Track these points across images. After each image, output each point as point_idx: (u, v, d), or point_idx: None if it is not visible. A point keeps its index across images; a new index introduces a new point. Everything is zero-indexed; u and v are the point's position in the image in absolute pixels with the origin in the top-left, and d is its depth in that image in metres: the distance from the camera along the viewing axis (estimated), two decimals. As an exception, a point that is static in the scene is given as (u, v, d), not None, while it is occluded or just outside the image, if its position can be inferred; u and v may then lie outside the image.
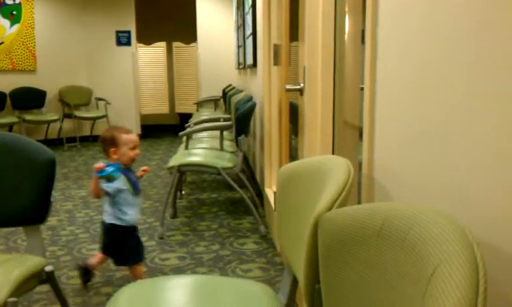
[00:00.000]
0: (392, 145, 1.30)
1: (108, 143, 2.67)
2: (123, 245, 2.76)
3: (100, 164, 2.53)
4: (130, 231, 2.76)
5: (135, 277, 2.76)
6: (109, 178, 2.54)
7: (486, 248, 0.83)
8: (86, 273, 2.88)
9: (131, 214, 2.70)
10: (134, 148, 2.70)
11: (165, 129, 10.70)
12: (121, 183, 2.61)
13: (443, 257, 0.75)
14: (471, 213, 0.91)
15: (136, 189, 2.71)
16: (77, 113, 8.57)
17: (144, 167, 2.95)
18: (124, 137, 2.67)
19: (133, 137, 2.73)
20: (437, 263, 0.75)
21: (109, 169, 2.52)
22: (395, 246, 0.90)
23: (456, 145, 0.96)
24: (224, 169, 3.89)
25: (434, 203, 1.06)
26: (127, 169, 2.69)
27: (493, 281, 0.83)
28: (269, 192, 3.99)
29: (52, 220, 4.26)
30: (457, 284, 0.70)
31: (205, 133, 5.37)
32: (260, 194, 4.50)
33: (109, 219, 2.69)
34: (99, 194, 2.64)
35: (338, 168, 1.32)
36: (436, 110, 1.04)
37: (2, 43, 7.99)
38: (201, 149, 4.61)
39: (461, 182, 0.95)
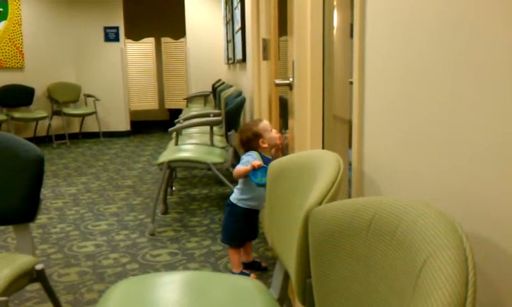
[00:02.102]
0: (382, 139, 1.31)
1: (254, 139, 2.88)
2: (226, 221, 3.03)
3: (258, 162, 2.74)
4: (238, 214, 2.94)
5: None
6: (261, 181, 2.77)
7: (475, 241, 0.84)
8: None
9: (249, 200, 2.91)
10: (272, 130, 2.90)
11: (155, 125, 10.67)
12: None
13: (432, 250, 0.76)
14: (460, 206, 0.92)
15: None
16: (66, 110, 8.52)
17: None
18: (261, 125, 2.89)
19: (266, 122, 2.93)
20: (427, 256, 0.76)
21: (260, 177, 2.72)
22: (385, 240, 0.90)
23: (444, 139, 0.97)
24: (214, 164, 3.89)
25: (424, 196, 1.06)
26: (271, 159, 2.85)
27: (482, 273, 0.84)
28: (260, 187, 3.99)
29: (42, 218, 4.24)
30: (447, 277, 0.70)
31: (195, 129, 5.36)
32: (250, 189, 4.49)
33: (233, 195, 2.98)
34: (241, 177, 2.88)
35: (328, 163, 1.32)
36: (425, 104, 1.05)
37: (-11, 40, 7.92)
38: (192, 145, 4.60)
39: (450, 176, 0.96)
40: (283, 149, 2.97)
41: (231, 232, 3.00)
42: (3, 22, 7.98)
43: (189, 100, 9.15)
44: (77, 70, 9.02)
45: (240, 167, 2.80)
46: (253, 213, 2.98)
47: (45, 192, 5.14)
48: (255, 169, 2.72)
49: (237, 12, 5.52)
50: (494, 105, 0.81)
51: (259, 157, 2.84)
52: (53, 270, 3.17)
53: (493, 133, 0.81)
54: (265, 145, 2.86)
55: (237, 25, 5.60)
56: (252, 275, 2.94)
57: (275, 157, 2.93)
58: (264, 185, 2.75)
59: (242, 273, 2.94)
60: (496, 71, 0.80)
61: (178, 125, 4.52)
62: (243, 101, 4.57)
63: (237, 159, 5.55)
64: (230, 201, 2.97)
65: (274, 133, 2.88)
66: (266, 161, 2.83)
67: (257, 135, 2.86)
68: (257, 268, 3.09)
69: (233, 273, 2.98)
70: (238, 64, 6.04)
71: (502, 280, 0.82)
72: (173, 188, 5.13)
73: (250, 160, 2.80)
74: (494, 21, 0.80)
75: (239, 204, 2.92)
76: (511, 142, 0.77)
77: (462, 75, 0.90)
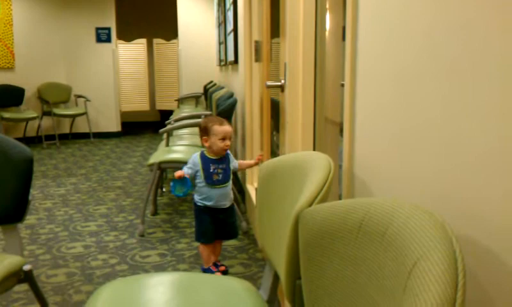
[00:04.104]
0: (373, 141, 1.31)
1: (202, 131, 2.93)
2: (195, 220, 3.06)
3: (178, 174, 2.82)
4: (201, 211, 2.95)
5: None
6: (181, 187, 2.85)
7: (464, 242, 0.84)
8: None
9: (204, 200, 2.92)
10: (223, 139, 2.86)
11: (145, 126, 10.64)
12: (188, 187, 2.84)
13: (422, 251, 0.76)
14: (450, 208, 0.92)
15: (208, 180, 2.89)
16: (56, 110, 8.47)
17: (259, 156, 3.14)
18: (215, 128, 2.87)
19: (224, 128, 2.89)
20: (417, 257, 0.76)
21: (177, 189, 2.82)
22: (375, 241, 0.90)
23: (435, 142, 0.97)
24: (205, 166, 3.87)
25: (414, 198, 1.07)
26: (218, 159, 2.91)
27: (472, 274, 0.84)
28: (251, 189, 3.99)
29: (31, 219, 4.21)
30: (437, 278, 0.70)
31: (186, 130, 5.34)
32: (241, 191, 4.49)
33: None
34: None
35: (319, 164, 1.32)
36: (416, 107, 1.05)
37: (-21, 39, 7.86)
38: (182, 146, 4.59)
39: (440, 178, 0.96)
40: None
41: (196, 229, 3.03)
42: (-7, 21, 7.93)
43: (181, 101, 9.13)
44: (67, 70, 8.97)
45: (179, 171, 2.87)
46: (217, 211, 2.96)
47: (34, 192, 5.11)
48: (180, 178, 2.81)
49: (230, 14, 5.51)
50: (486, 108, 0.81)
51: (199, 159, 2.91)
52: (41, 271, 3.14)
53: (485, 137, 0.81)
54: (206, 145, 2.90)
55: (230, 27, 5.60)
56: (217, 273, 2.94)
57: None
58: (180, 196, 2.88)
59: (207, 270, 2.96)
60: (490, 74, 0.80)
61: (169, 126, 4.50)
62: (234, 102, 4.56)
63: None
64: (195, 201, 3.00)
65: (220, 144, 2.86)
66: (205, 162, 2.90)
67: (205, 131, 2.89)
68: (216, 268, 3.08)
69: (203, 269, 3.01)
70: (230, 66, 6.03)
71: (491, 280, 0.82)
72: (163, 189, 5.12)
73: (187, 165, 2.93)
74: (488, 24, 0.81)
75: (198, 203, 2.96)
76: (504, 146, 0.77)
77: (455, 78, 0.90)
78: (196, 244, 3.57)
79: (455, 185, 0.91)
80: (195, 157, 2.92)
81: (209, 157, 2.90)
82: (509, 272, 0.77)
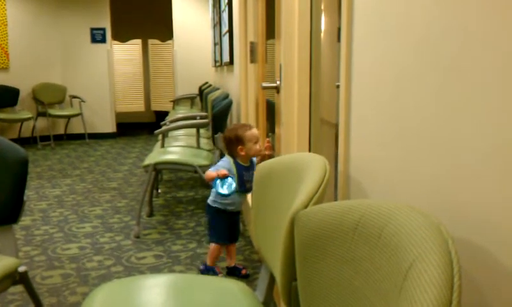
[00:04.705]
0: (368, 143, 1.31)
1: (234, 142, 2.86)
2: (214, 222, 3.02)
3: (224, 172, 2.74)
4: (219, 213, 2.95)
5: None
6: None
7: (460, 244, 0.84)
8: None
9: (226, 204, 2.92)
10: (256, 142, 2.86)
11: (141, 127, 10.61)
12: (231, 188, 2.76)
13: (418, 253, 0.76)
14: (446, 209, 0.92)
15: (242, 187, 2.87)
16: (51, 111, 8.44)
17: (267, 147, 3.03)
18: (248, 134, 2.85)
19: (255, 132, 2.89)
20: (412, 259, 0.76)
21: (222, 187, 2.73)
22: (371, 242, 0.90)
23: (431, 144, 0.97)
24: (200, 167, 3.87)
25: (410, 200, 1.07)
26: (248, 166, 2.90)
27: (467, 276, 0.84)
28: (246, 190, 3.98)
29: (26, 220, 4.19)
30: (433, 280, 0.70)
31: (181, 131, 5.34)
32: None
33: (215, 197, 2.95)
34: (209, 181, 2.85)
35: (314, 165, 1.32)
36: (411, 108, 1.05)
37: (-27, 39, 7.83)
38: (178, 148, 4.58)
39: (435, 180, 0.96)
40: (270, 157, 2.96)
41: (214, 230, 3.02)
42: (-12, 22, 7.90)
43: (176, 102, 9.12)
44: (62, 71, 8.94)
45: (211, 172, 2.79)
46: (233, 214, 3.00)
47: (29, 193, 5.09)
48: (221, 178, 2.74)
49: (225, 15, 5.52)
50: (483, 110, 0.81)
51: (233, 165, 2.85)
52: (36, 272, 3.13)
53: (483, 140, 0.82)
54: (243, 153, 2.84)
55: (225, 28, 5.60)
56: (220, 274, 2.97)
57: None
58: (225, 196, 2.78)
59: (211, 268, 2.99)
60: (490, 75, 0.80)
61: (164, 127, 4.49)
62: (230, 103, 4.56)
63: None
64: (212, 203, 2.96)
65: (256, 147, 2.85)
66: (239, 170, 2.86)
67: (238, 141, 2.83)
68: (237, 274, 3.06)
69: (206, 267, 3.03)
70: (225, 67, 6.03)
71: (487, 282, 0.83)
72: (159, 191, 5.11)
73: (220, 166, 2.83)
74: (486, 24, 0.81)
75: (216, 205, 2.94)
76: (502, 148, 0.77)
77: (451, 81, 0.90)
78: (192, 245, 3.57)
79: (451, 187, 0.91)
80: (228, 163, 2.85)
81: (243, 164, 2.88)
82: (505, 274, 0.78)
